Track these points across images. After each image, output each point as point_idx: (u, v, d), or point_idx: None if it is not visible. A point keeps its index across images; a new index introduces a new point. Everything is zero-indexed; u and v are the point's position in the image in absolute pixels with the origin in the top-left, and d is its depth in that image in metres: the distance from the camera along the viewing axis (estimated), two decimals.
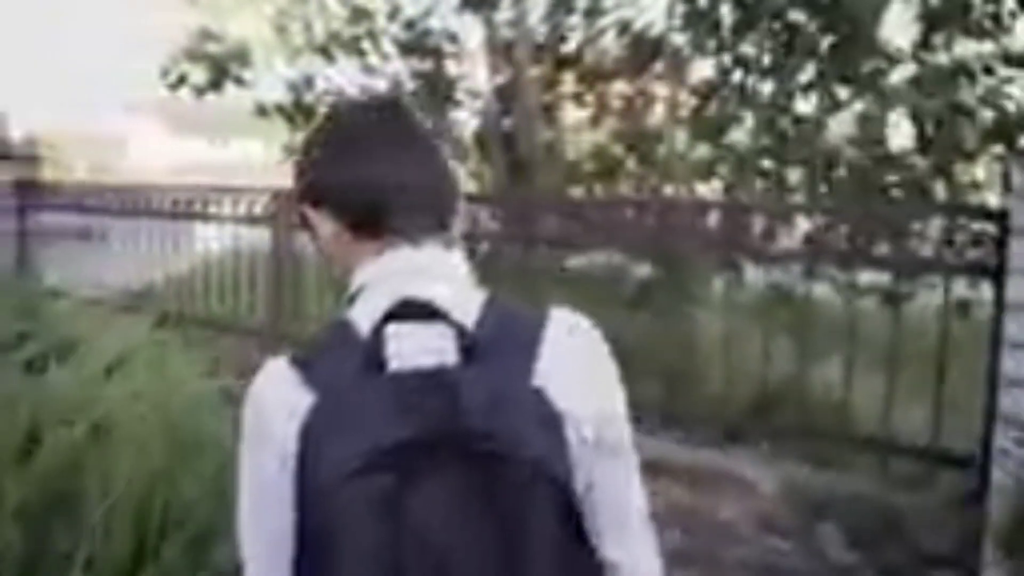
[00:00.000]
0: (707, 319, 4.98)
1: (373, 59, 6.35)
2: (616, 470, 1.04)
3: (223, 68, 5.92)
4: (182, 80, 6.06)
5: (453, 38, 6.28)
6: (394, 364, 0.94)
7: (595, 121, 6.66)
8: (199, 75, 6.02)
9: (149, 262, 6.04)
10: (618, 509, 1.04)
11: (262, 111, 6.29)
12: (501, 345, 0.97)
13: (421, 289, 0.99)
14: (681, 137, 5.70)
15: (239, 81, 6.13)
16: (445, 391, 0.91)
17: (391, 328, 0.95)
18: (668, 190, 5.82)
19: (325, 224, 1.08)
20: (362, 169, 1.05)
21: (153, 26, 6.97)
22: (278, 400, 0.97)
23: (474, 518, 0.89)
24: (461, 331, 0.95)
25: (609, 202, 5.30)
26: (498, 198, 5.25)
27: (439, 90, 6.10)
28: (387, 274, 1.03)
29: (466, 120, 6.43)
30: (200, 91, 6.09)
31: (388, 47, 6.35)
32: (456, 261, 1.08)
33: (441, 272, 1.05)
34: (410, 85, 6.37)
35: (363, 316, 0.99)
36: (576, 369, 1.00)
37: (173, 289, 6.02)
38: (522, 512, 0.90)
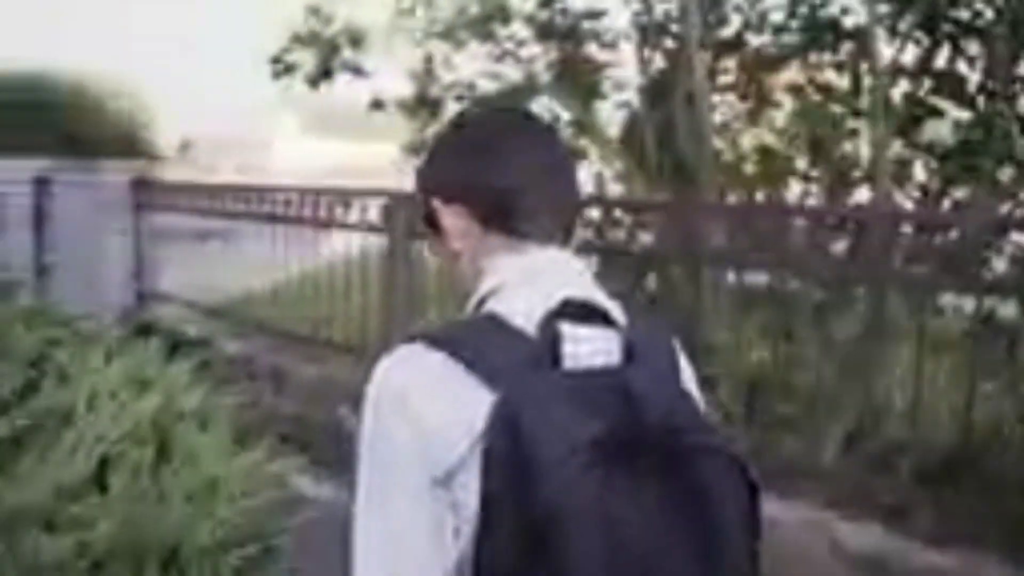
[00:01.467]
0: (901, 356, 4.05)
1: (506, 45, 5.63)
2: None
3: (333, 48, 5.29)
4: (289, 69, 5.49)
5: (596, 17, 5.45)
6: (569, 363, 0.96)
7: (755, 115, 5.76)
8: (310, 63, 5.43)
9: (263, 266, 5.61)
10: None
11: (378, 105, 5.65)
12: (650, 349, 1.03)
13: (577, 291, 1.03)
14: (869, 134, 4.70)
15: (356, 71, 5.51)
16: (621, 390, 0.94)
17: (562, 326, 0.97)
18: (854, 195, 4.84)
19: (455, 219, 1.11)
20: (497, 165, 1.09)
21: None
22: (449, 397, 0.95)
23: (672, 510, 0.90)
24: (624, 334, 1.01)
25: (787, 210, 4.35)
26: (652, 204, 4.38)
27: (581, 80, 5.29)
28: (530, 273, 1.05)
29: (611, 115, 5.59)
30: (313, 82, 5.51)
31: (522, 31, 5.59)
32: (583, 263, 1.13)
33: (579, 273, 1.09)
34: (546, 75, 5.63)
35: (515, 312, 0.99)
36: (690, 374, 1.12)
37: (279, 296, 5.53)
38: (720, 499, 0.92)
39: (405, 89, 5.73)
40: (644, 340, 1.02)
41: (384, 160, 5.40)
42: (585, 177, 6.49)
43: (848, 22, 5.22)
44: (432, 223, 1.14)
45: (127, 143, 14.99)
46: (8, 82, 15.30)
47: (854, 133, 5.26)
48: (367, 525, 0.97)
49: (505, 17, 5.49)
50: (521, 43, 5.62)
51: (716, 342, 3.95)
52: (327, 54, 5.33)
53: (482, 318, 1.03)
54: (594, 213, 3.95)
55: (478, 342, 0.99)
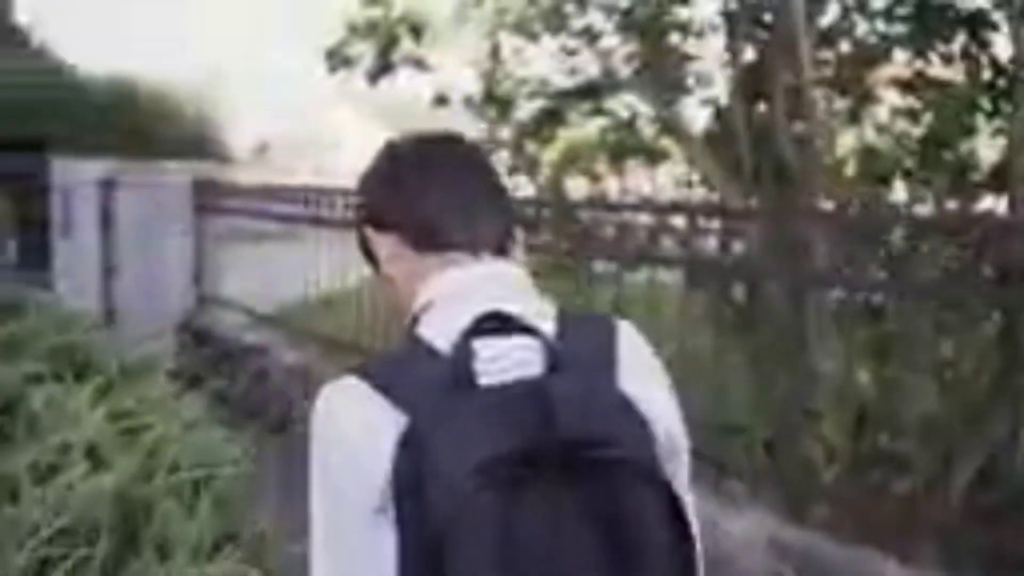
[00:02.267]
0: None
1: (582, 37, 5.20)
2: (681, 468, 1.05)
3: (393, 40, 4.91)
4: (347, 62, 5.13)
5: (683, 2, 4.97)
6: (483, 379, 0.94)
7: (856, 111, 5.21)
8: (369, 57, 5.06)
9: (320, 272, 5.30)
10: None
11: (442, 101, 5.25)
12: (581, 354, 0.99)
13: (497, 303, 1.00)
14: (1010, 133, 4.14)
15: (418, 64, 5.14)
16: (538, 403, 0.91)
17: (476, 343, 0.96)
18: (978, 201, 4.28)
19: (387, 245, 1.12)
20: (424, 188, 1.10)
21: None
22: (365, 423, 0.95)
23: (583, 527, 0.88)
24: (546, 342, 0.97)
25: (918, 220, 3.76)
26: (749, 211, 3.89)
27: (663, 74, 4.83)
28: (456, 288, 1.05)
29: (695, 111, 5.11)
30: (372, 76, 5.16)
31: (600, 21, 5.15)
32: (522, 273, 1.10)
33: (510, 284, 1.07)
34: (626, 69, 5.19)
35: (437, 332, 0.99)
36: (646, 372, 1.05)
37: (335, 304, 5.21)
38: (633, 516, 0.89)
39: (472, 85, 5.34)
40: (574, 346, 1.00)
41: None
42: (663, 179, 5.95)
43: (965, 6, 4.67)
44: (367, 251, 1.16)
45: (199, 145, 15.06)
46: (84, 84, 15.52)
47: (970, 132, 4.71)
48: (318, 562, 0.98)
49: (581, 6, 5.05)
50: (598, 35, 5.18)
51: (820, 368, 3.47)
52: (386, 46, 4.94)
53: (406, 344, 1.04)
54: (678, 221, 3.50)
55: (395, 369, 1.00)
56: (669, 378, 1.10)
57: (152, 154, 10.26)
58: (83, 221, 8.96)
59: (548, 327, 1.01)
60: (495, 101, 5.28)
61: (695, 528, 0.96)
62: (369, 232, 1.14)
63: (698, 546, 0.96)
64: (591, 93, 5.32)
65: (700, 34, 5.05)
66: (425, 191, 1.11)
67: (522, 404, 0.92)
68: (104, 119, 14.26)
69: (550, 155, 5.60)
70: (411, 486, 0.90)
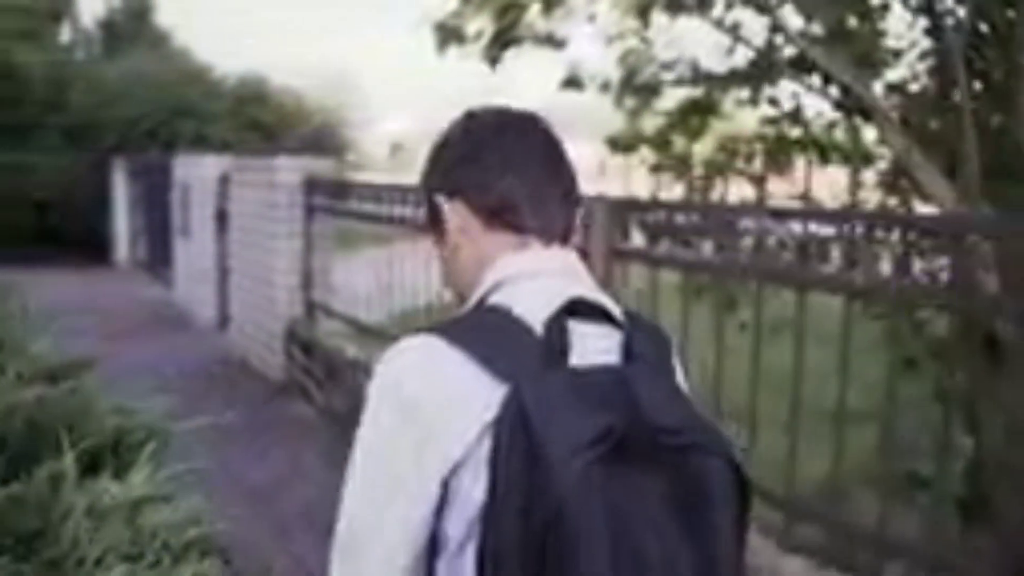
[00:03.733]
0: None
1: (737, 11, 4.34)
2: None
3: (516, 11, 4.15)
4: (459, 38, 4.39)
5: None
6: (575, 360, 0.97)
7: None
8: (488, 32, 4.32)
9: (431, 280, 4.69)
10: None
11: (574, 84, 4.48)
12: (651, 350, 1.04)
13: (582, 290, 1.03)
14: None
15: (548, 41, 4.39)
16: (624, 388, 0.94)
17: (572, 324, 0.98)
18: None
19: (458, 215, 1.10)
20: (502, 166, 1.09)
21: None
22: (454, 389, 0.95)
23: (671, 507, 0.92)
24: (626, 332, 1.02)
25: None
26: (981, 221, 2.92)
27: (854, 49, 3.90)
28: (532, 270, 1.05)
29: (882, 90, 4.16)
30: (492, 58, 4.44)
31: None
32: (583, 266, 1.12)
33: (581, 274, 1.09)
34: (790, 50, 4.31)
35: (521, 309, 1.00)
36: (683, 377, 1.10)
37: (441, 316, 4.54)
38: (718, 498, 0.94)
39: (609, 67, 4.56)
40: (642, 340, 1.04)
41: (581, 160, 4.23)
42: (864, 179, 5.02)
43: None
44: (434, 219, 1.15)
45: (329, 143, 14.92)
46: (217, 83, 15.63)
47: None
48: (354, 514, 0.99)
49: None
50: (765, 8, 4.30)
51: None
52: (510, 19, 4.21)
53: (489, 313, 1.03)
54: (888, 236, 2.62)
55: (487, 337, 0.98)
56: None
57: (279, 151, 10.00)
58: (201, 219, 8.73)
59: (621, 319, 1.04)
60: (636, 87, 4.47)
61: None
62: (440, 200, 1.12)
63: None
64: (752, 77, 4.45)
65: (886, 8, 4.13)
66: (504, 169, 1.10)
67: (610, 388, 0.95)
68: (235, 117, 14.26)
69: (701, 151, 4.76)
70: (513, 457, 0.90)
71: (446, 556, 0.96)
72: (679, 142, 4.72)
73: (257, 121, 14.31)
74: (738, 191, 4.63)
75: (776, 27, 4.35)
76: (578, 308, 1.00)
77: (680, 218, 3.19)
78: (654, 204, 3.23)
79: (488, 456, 0.91)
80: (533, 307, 0.99)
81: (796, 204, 3.23)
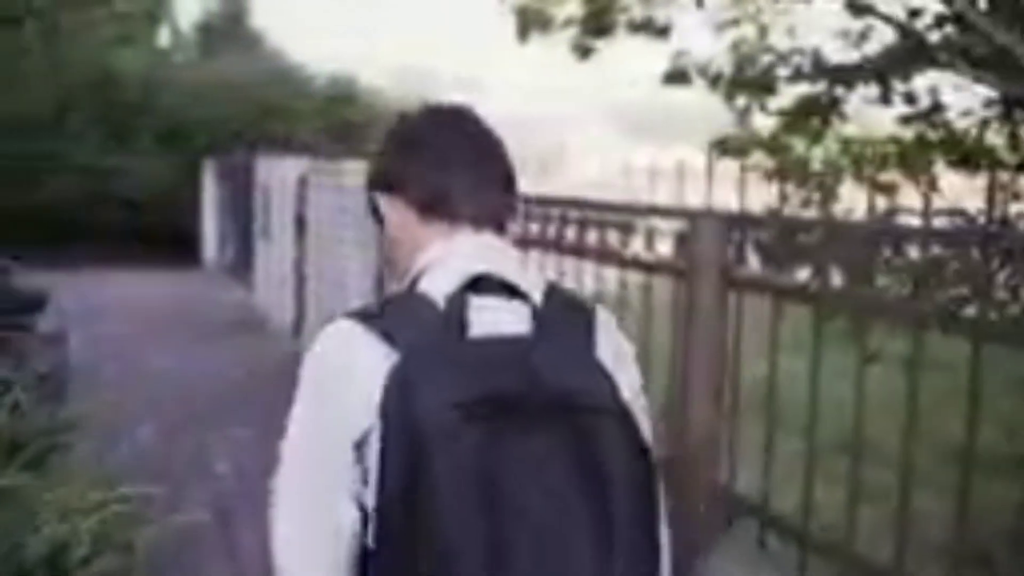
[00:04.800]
0: None
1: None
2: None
3: None
4: (543, 23, 3.84)
5: None
6: (475, 330, 1.02)
7: None
8: (577, 19, 3.77)
9: None
10: None
11: (679, 78, 3.87)
12: (565, 322, 1.08)
13: (493, 268, 1.08)
14: None
15: (648, 28, 3.82)
16: (521, 356, 1.01)
17: (471, 299, 1.04)
18: None
19: (395, 210, 1.18)
20: (433, 160, 1.17)
21: None
22: (356, 360, 1.01)
23: (558, 465, 0.96)
24: (534, 306, 1.07)
25: None
26: None
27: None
28: (456, 253, 1.11)
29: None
30: (583, 49, 3.90)
31: None
32: (514, 249, 1.19)
33: (505, 256, 1.14)
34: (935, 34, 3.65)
35: (435, 289, 1.06)
36: (617, 353, 1.12)
37: None
38: (604, 453, 0.98)
39: (718, 59, 3.96)
40: (558, 314, 1.08)
41: (673, 164, 3.63)
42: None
43: None
44: (375, 214, 1.22)
45: None
46: (307, 83, 15.52)
47: None
48: (285, 502, 1.06)
49: None
50: None
51: None
52: (603, 2, 3.63)
53: (402, 293, 1.11)
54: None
55: (391, 313, 1.06)
56: (637, 367, 1.18)
57: (366, 153, 9.66)
58: (280, 222, 8.46)
59: (537, 296, 1.09)
60: (748, 81, 3.86)
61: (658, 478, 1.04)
62: (378, 195, 1.20)
63: (661, 495, 1.06)
64: (886, 69, 3.80)
65: None
66: (435, 163, 1.16)
67: (504, 354, 1.01)
68: (324, 117, 14.10)
69: (821, 155, 4.12)
70: (396, 417, 0.96)
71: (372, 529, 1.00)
72: (797, 145, 4.10)
73: (346, 121, 14.11)
74: (862, 201, 3.95)
75: (915, 12, 3.69)
76: (484, 285, 1.06)
77: (807, 237, 2.60)
78: (778, 220, 2.65)
79: (379, 421, 0.97)
80: (441, 286, 1.06)
81: (948, 219, 2.60)
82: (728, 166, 3.50)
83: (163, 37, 17.89)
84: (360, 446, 1.00)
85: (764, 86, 3.87)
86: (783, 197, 2.76)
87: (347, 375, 1.02)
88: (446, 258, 1.10)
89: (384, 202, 1.19)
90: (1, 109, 13.47)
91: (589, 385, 1.01)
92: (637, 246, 3.26)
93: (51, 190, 12.82)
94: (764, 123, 4.23)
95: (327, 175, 6.65)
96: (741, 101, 3.90)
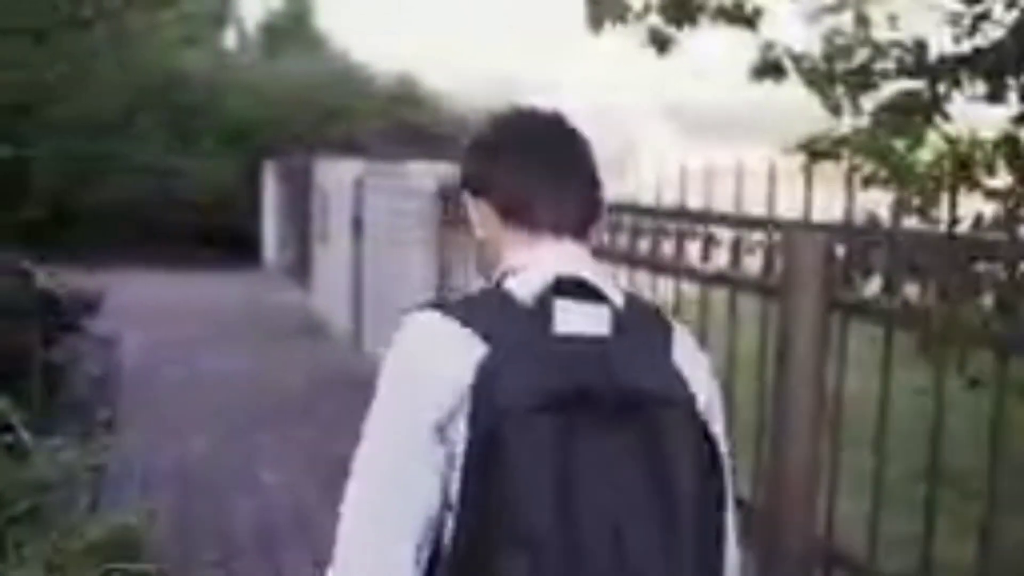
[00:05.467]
0: None
1: None
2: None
3: None
4: (620, 14, 3.47)
5: None
6: (559, 328, 1.07)
7: None
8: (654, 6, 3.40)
9: None
10: None
11: (772, 71, 3.48)
12: (643, 328, 1.14)
13: (576, 271, 1.14)
14: None
15: (735, 19, 3.43)
16: (601, 354, 1.06)
17: (556, 298, 1.09)
18: None
19: (480, 212, 1.23)
20: (518, 168, 1.20)
21: None
22: (443, 349, 1.06)
23: (629, 460, 1.01)
24: (615, 309, 1.12)
25: None
26: None
27: None
28: (539, 259, 1.16)
29: None
30: (660, 42, 3.52)
31: None
32: (594, 259, 1.21)
33: (585, 262, 1.18)
34: None
35: (520, 289, 1.12)
36: (693, 361, 1.16)
37: None
38: (675, 453, 1.03)
39: (812, 51, 3.56)
40: (637, 319, 1.13)
41: (758, 168, 3.24)
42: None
43: None
44: (465, 213, 1.26)
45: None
46: (370, 84, 15.39)
47: None
48: (363, 471, 1.09)
49: None
50: None
51: None
52: None
53: (489, 290, 1.18)
54: None
55: (477, 307, 1.12)
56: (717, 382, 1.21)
57: (429, 156, 9.45)
58: (338, 225, 8.27)
59: (618, 300, 1.14)
60: (846, 75, 3.46)
61: (727, 470, 1.11)
62: (466, 197, 1.25)
63: (729, 487, 1.12)
64: (1002, 65, 3.37)
65: None
66: (517, 171, 1.20)
67: (585, 352, 1.06)
68: (386, 119, 13.95)
69: (925, 159, 3.70)
70: (481, 404, 1.02)
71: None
72: (893, 146, 3.68)
73: (408, 123, 13.92)
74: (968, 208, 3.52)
75: None
76: (568, 287, 1.11)
77: (926, 252, 2.22)
78: (893, 233, 2.27)
79: (468, 407, 1.03)
80: (528, 287, 1.11)
81: None
82: (791, 168, 3.10)
83: (228, 38, 18.00)
84: (443, 429, 1.05)
85: (862, 82, 3.46)
86: (900, 205, 2.37)
87: (433, 361, 1.06)
88: (529, 263, 1.16)
89: (471, 203, 1.24)
90: (71, 110, 13.63)
91: (664, 387, 1.07)
92: (719, 258, 2.90)
93: (116, 191, 12.91)
94: (854, 123, 3.81)
95: (385, 178, 6.41)
96: (838, 98, 3.50)
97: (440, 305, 1.13)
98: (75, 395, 6.03)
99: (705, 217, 2.96)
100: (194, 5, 16.31)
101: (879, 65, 3.67)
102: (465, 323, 1.07)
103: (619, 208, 3.37)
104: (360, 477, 1.09)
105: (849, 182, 2.47)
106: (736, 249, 2.77)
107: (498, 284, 1.16)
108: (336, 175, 8.37)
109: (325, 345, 7.87)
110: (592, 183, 1.22)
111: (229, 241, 13.59)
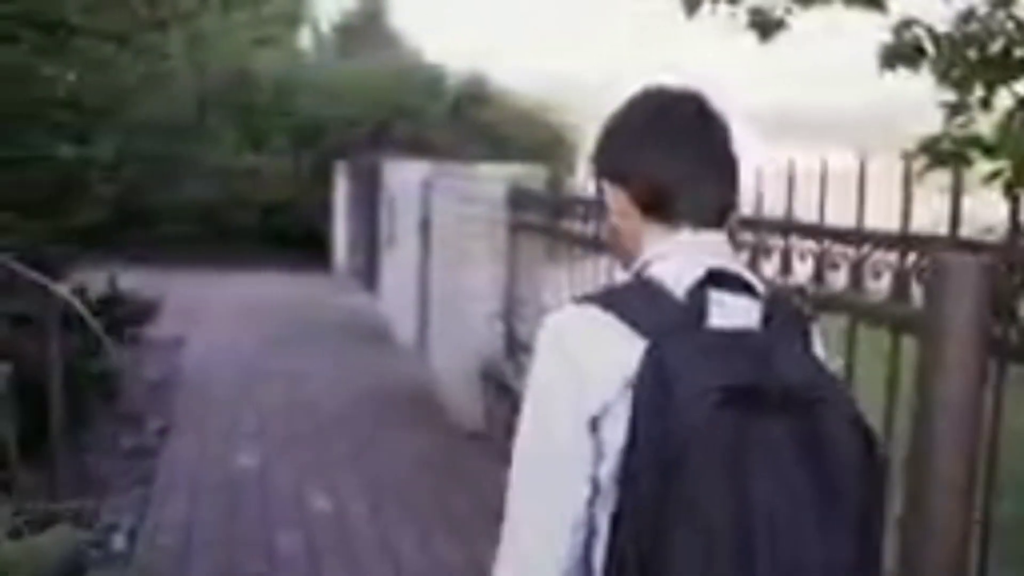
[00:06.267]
0: None
1: None
2: None
3: None
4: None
5: None
6: (713, 322, 1.08)
7: None
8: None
9: None
10: None
11: (905, 55, 2.94)
12: (786, 320, 1.13)
13: (726, 263, 1.14)
14: None
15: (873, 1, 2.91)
16: (759, 349, 1.06)
17: (711, 291, 1.09)
18: None
19: (618, 201, 1.21)
20: (657, 158, 1.17)
21: None
22: (600, 342, 1.07)
23: (794, 455, 1.01)
24: (765, 301, 1.12)
25: None
26: None
27: None
28: (683, 248, 1.16)
29: None
30: (763, 28, 3.04)
31: None
32: (731, 248, 1.21)
33: (730, 252, 1.20)
34: None
35: (668, 279, 1.11)
36: (829, 358, 1.21)
37: None
38: (836, 449, 1.03)
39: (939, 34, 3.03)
40: (781, 312, 1.13)
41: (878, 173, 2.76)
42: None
43: None
44: (601, 197, 1.25)
45: (553, 151, 13.95)
46: (442, 83, 15.12)
47: None
48: (523, 453, 1.13)
49: None
50: None
51: None
52: None
53: (638, 282, 1.16)
54: None
55: (634, 302, 1.11)
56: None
57: (502, 157, 9.10)
58: (405, 228, 7.96)
59: (764, 293, 1.15)
60: (984, 62, 2.93)
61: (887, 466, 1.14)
62: (604, 184, 1.22)
63: (888, 481, 1.15)
64: None
65: None
66: (660, 160, 1.17)
67: (744, 346, 1.07)
68: (455, 119, 13.66)
69: None
70: (649, 402, 1.02)
71: (599, 502, 1.08)
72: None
73: (478, 123, 13.60)
74: None
75: None
76: (719, 279, 1.10)
77: None
78: None
79: (630, 401, 1.03)
80: (676, 278, 1.10)
81: None
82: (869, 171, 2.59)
83: (304, 38, 17.98)
84: (597, 420, 1.06)
85: (1002, 73, 2.94)
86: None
87: (593, 354, 1.08)
88: (671, 252, 1.16)
89: (608, 190, 1.22)
90: (146, 111, 13.69)
91: (820, 380, 1.08)
92: (836, 280, 2.44)
93: (187, 191, 12.89)
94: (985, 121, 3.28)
95: (452, 179, 6.05)
96: (977, 90, 2.98)
97: (592, 298, 1.14)
98: (133, 403, 5.86)
99: (816, 231, 2.49)
100: (269, 7, 16.31)
101: (1021, 52, 3.14)
102: (622, 316, 1.08)
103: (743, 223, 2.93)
104: (519, 465, 1.12)
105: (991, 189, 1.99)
106: (857, 270, 2.30)
107: (638, 275, 1.17)
108: (403, 176, 8.07)
109: (387, 356, 7.56)
110: (733, 171, 1.21)
111: (299, 242, 13.48)
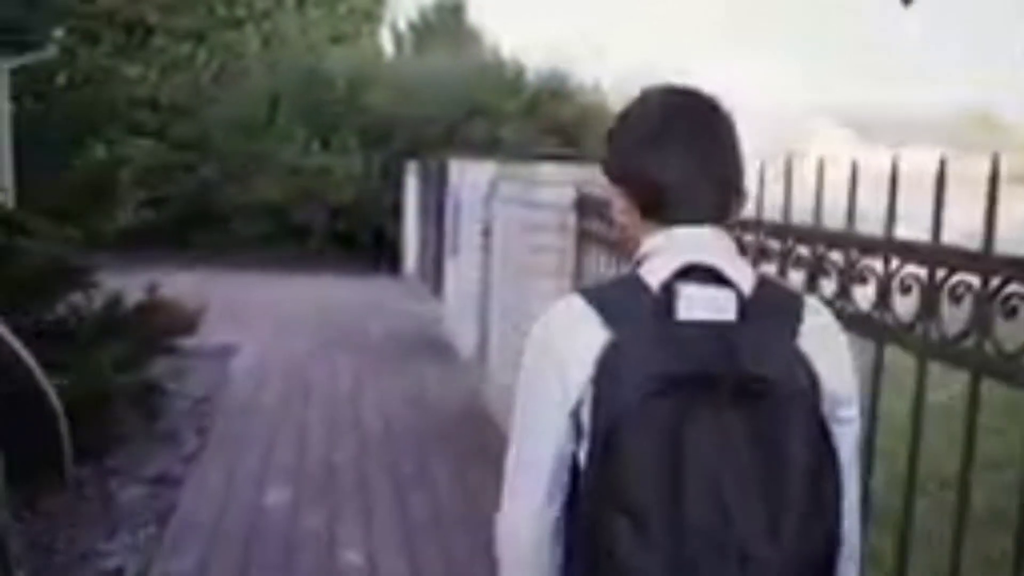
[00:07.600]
0: None
1: None
2: (842, 428, 1.19)
3: None
4: None
5: None
6: (682, 315, 1.13)
7: None
8: None
9: None
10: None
11: None
12: (771, 312, 1.16)
13: (705, 258, 1.17)
14: None
15: None
16: (723, 340, 1.10)
17: (681, 285, 1.14)
18: None
19: (620, 199, 1.27)
20: (655, 159, 1.22)
21: None
22: (576, 334, 1.16)
23: (744, 445, 1.06)
24: (740, 295, 1.14)
25: None
26: None
27: None
28: (671, 244, 1.20)
29: None
30: None
31: None
32: (729, 242, 1.23)
33: (719, 247, 1.21)
34: None
35: (651, 275, 1.17)
36: (824, 341, 1.18)
37: None
38: (789, 440, 1.07)
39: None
40: (764, 304, 1.15)
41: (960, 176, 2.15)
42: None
43: None
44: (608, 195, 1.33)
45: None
46: (518, 78, 14.59)
47: None
48: (515, 445, 1.24)
49: None
50: None
51: None
52: None
53: (624, 276, 1.23)
54: None
55: (612, 294, 1.19)
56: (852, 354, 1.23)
57: (576, 157, 8.51)
58: (469, 232, 7.45)
59: (746, 285, 1.16)
60: None
61: (845, 461, 1.14)
62: (607, 182, 1.29)
63: (843, 478, 1.12)
64: None
65: None
66: (658, 162, 1.21)
67: (707, 338, 1.10)
68: (532, 117, 13.10)
69: None
70: (605, 386, 1.11)
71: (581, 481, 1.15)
72: None
73: (556, 122, 12.99)
74: None
75: None
76: (695, 273, 1.15)
77: None
78: None
79: (591, 389, 1.13)
80: (656, 272, 1.17)
81: None
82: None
83: (382, 37, 17.69)
84: (577, 411, 1.15)
85: None
86: None
87: (566, 342, 1.16)
88: (662, 247, 1.20)
89: (611, 191, 1.29)
90: (222, 109, 13.56)
91: (783, 373, 1.10)
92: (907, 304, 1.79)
93: (258, 190, 12.66)
94: None
95: (518, 181, 5.48)
96: None
97: (582, 290, 1.22)
98: (172, 421, 5.48)
99: (884, 246, 1.94)
100: (345, 4, 16.04)
101: None
102: (600, 308, 1.15)
103: (777, 230, 2.35)
104: (513, 444, 1.24)
105: None
106: (930, 295, 1.78)
107: (633, 270, 1.22)
108: (470, 177, 7.55)
109: (447, 371, 7.04)
110: (735, 170, 1.23)
111: (369, 244, 13.13)
